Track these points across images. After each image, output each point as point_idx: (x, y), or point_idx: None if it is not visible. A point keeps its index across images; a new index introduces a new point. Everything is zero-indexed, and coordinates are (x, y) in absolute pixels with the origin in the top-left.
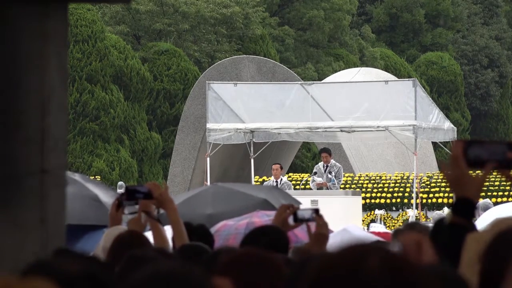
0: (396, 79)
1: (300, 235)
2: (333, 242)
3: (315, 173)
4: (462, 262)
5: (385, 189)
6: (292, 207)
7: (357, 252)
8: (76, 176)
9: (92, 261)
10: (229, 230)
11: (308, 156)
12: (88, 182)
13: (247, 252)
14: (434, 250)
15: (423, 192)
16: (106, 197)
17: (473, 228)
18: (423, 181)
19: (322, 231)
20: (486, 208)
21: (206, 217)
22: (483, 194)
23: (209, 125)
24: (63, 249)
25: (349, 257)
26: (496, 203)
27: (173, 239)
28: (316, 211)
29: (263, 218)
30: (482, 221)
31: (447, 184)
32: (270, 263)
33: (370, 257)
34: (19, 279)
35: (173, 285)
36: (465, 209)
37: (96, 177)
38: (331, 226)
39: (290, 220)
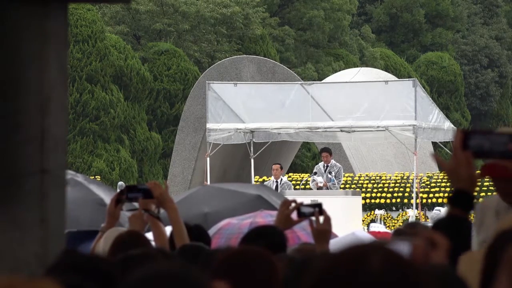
0: (396, 79)
1: (303, 237)
2: (341, 245)
3: (315, 173)
4: None
5: (385, 189)
6: (295, 203)
7: (359, 252)
8: (79, 178)
9: (99, 261)
10: (232, 230)
11: (308, 156)
12: (91, 184)
13: (242, 251)
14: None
15: (423, 192)
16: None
17: (470, 221)
18: (423, 181)
19: (323, 226)
20: None
21: (203, 216)
22: (483, 194)
23: (209, 125)
24: (70, 250)
25: (351, 257)
26: None
27: (170, 238)
28: (319, 206)
29: (267, 218)
30: None
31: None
32: (266, 262)
33: (372, 257)
34: (24, 279)
35: (172, 286)
36: (463, 200)
37: (96, 177)
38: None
39: (293, 216)
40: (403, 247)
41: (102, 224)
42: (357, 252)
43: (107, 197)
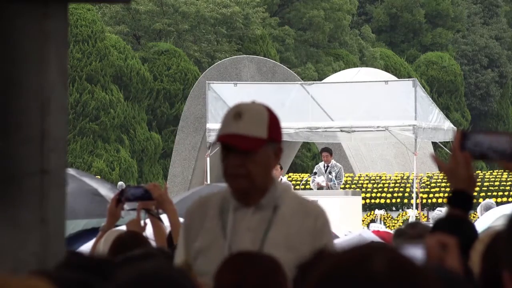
0: (396, 79)
1: None
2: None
3: (315, 173)
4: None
5: (385, 189)
6: None
7: (362, 252)
8: (71, 171)
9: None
10: None
11: (308, 156)
12: (84, 176)
13: (241, 253)
14: (460, 257)
15: (423, 192)
16: (104, 190)
17: (470, 221)
18: (423, 181)
19: None
20: (488, 208)
21: None
22: (483, 194)
23: (209, 125)
24: (74, 252)
25: (354, 257)
26: (496, 203)
27: (168, 238)
28: None
29: None
30: (482, 221)
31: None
32: (265, 263)
33: (376, 258)
34: (16, 278)
35: (156, 286)
36: (462, 201)
37: (96, 177)
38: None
39: None
40: (417, 252)
41: (102, 224)
42: (360, 253)
43: (100, 188)
